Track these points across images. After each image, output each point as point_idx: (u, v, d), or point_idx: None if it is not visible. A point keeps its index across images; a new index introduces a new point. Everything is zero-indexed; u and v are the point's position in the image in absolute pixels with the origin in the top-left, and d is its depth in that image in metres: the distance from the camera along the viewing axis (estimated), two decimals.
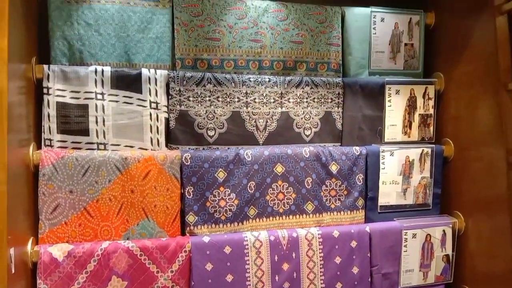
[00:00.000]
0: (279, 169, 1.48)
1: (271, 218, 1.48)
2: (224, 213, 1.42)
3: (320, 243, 1.45)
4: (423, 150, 1.63)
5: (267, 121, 1.53)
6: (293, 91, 1.56)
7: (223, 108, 1.49)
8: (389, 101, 1.65)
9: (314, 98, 1.58)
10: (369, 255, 1.51)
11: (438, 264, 1.59)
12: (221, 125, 1.49)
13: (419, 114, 1.68)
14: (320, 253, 1.45)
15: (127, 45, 1.46)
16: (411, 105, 1.67)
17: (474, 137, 1.56)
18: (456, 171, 1.64)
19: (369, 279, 1.51)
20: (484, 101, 1.51)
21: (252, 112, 1.51)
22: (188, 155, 1.39)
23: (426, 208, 1.65)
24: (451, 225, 1.59)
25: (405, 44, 1.71)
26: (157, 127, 1.44)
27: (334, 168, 1.54)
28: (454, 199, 1.65)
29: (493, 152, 1.47)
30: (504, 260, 1.42)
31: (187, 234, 1.39)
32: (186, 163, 1.39)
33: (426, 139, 1.69)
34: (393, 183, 1.60)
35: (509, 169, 1.41)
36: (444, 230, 1.58)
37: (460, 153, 1.63)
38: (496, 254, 1.46)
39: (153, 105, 1.43)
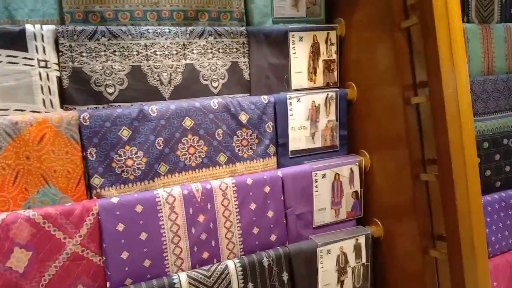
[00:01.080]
0: (188, 122, 1.46)
1: (184, 173, 1.46)
2: (132, 172, 1.38)
3: (234, 192, 1.47)
4: (327, 94, 1.69)
5: (171, 75, 1.48)
6: (196, 42, 1.51)
7: (121, 62, 1.41)
8: (293, 48, 1.67)
9: (219, 49, 1.55)
10: (282, 198, 1.56)
11: (348, 200, 1.69)
12: (120, 81, 1.41)
13: (323, 60, 1.73)
14: (235, 201, 1.48)
15: (7, 0, 1.32)
16: (315, 52, 1.71)
17: (375, 78, 1.64)
18: (361, 112, 1.73)
19: (284, 221, 1.57)
20: (382, 43, 1.59)
21: (153, 65, 1.45)
22: (87, 115, 1.31)
23: (335, 150, 1.73)
24: (357, 163, 1.69)
25: None
26: (49, 87, 1.32)
27: (244, 118, 1.54)
28: (360, 138, 1.75)
29: (392, 91, 1.56)
30: (405, 192, 1.55)
31: (94, 197, 1.33)
32: (85, 124, 1.31)
33: (331, 84, 1.76)
34: (301, 128, 1.65)
35: (405, 104, 1.52)
36: (351, 168, 1.68)
37: (363, 95, 1.71)
38: (398, 187, 1.59)
39: (42, 64, 1.31)
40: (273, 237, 1.54)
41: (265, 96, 1.59)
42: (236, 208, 1.48)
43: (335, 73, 1.76)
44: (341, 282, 1.61)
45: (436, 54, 1.34)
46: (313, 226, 1.64)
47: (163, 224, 1.37)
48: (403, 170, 1.54)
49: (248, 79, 1.61)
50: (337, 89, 1.72)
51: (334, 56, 1.74)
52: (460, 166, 1.34)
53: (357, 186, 1.70)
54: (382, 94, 1.60)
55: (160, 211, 1.37)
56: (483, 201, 1.78)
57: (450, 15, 1.36)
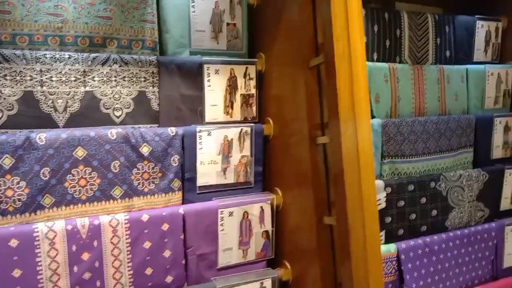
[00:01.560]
0: (80, 153, 1.38)
1: (72, 206, 1.38)
2: (12, 204, 1.29)
3: (126, 229, 1.39)
4: (241, 129, 1.64)
5: (67, 102, 1.41)
6: (99, 69, 1.46)
7: (12, 87, 1.34)
8: (209, 81, 1.63)
9: (124, 77, 1.50)
10: (182, 237, 1.48)
11: (257, 240, 1.62)
12: (10, 107, 1.34)
13: (241, 94, 1.69)
14: (127, 239, 1.39)
15: None
16: (232, 85, 1.67)
17: (290, 115, 1.60)
18: (277, 149, 1.68)
19: (183, 261, 1.48)
20: (295, 80, 1.55)
21: (48, 91, 1.39)
22: None
23: (248, 186, 1.67)
24: (269, 201, 1.63)
25: (228, 24, 1.69)
26: None
27: (145, 150, 1.48)
28: (275, 176, 1.69)
29: (302, 129, 1.52)
30: (310, 235, 1.49)
31: None
32: None
33: (250, 119, 1.71)
34: (212, 163, 1.59)
35: (312, 144, 1.47)
36: (261, 207, 1.61)
37: (280, 131, 1.67)
38: (305, 229, 1.53)
39: None
40: (169, 279, 1.45)
41: (173, 128, 1.53)
42: (127, 247, 1.39)
43: (254, 108, 1.72)
44: None
45: (335, 93, 1.30)
46: (218, 268, 1.55)
47: (40, 261, 1.27)
48: (308, 212, 1.48)
49: (157, 109, 1.56)
50: (252, 124, 1.67)
51: (253, 91, 1.71)
52: (357, 211, 1.29)
53: (268, 225, 1.63)
54: (295, 131, 1.56)
55: (38, 246, 1.27)
56: (405, 246, 1.74)
57: (353, 55, 1.33)
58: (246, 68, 1.68)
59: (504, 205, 2.12)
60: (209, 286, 1.47)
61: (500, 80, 2.22)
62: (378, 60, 1.88)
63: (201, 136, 1.57)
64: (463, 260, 1.90)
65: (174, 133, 1.53)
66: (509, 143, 2.19)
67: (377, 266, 1.31)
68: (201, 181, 1.57)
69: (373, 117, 1.83)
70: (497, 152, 2.15)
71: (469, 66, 2.12)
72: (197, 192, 1.57)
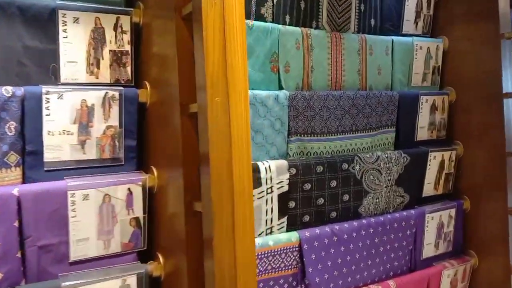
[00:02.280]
0: None
1: None
2: None
3: None
4: (106, 93, 1.33)
5: None
6: None
7: None
8: (65, 31, 1.30)
9: None
10: (16, 224, 1.17)
11: (124, 229, 1.34)
12: None
13: (111, 51, 1.38)
14: None
15: None
16: (98, 39, 1.35)
17: (165, 76, 1.30)
18: (154, 119, 1.39)
19: (19, 255, 1.18)
20: (170, 33, 1.24)
21: None
22: None
23: (117, 164, 1.37)
24: (140, 182, 1.34)
25: None
26: None
27: None
28: (152, 152, 1.41)
29: (175, 93, 1.23)
30: (179, 223, 1.22)
31: None
32: None
33: (123, 82, 1.40)
34: (64, 134, 1.28)
35: (183, 113, 1.19)
36: (129, 189, 1.33)
37: (159, 98, 1.37)
38: (178, 213, 1.25)
39: None
40: None
41: (8, 88, 1.21)
42: None
43: (129, 68, 1.41)
44: None
45: (201, 51, 1.03)
46: (70, 262, 1.26)
47: None
48: (181, 196, 1.21)
49: None
50: (122, 87, 1.37)
51: (127, 47, 1.40)
52: (225, 197, 1.03)
53: (138, 211, 1.35)
54: (168, 97, 1.27)
55: None
56: (309, 234, 1.51)
57: (227, 4, 1.05)
58: (118, 18, 1.37)
59: (427, 191, 1.95)
60: (52, 284, 1.18)
61: (429, 55, 2.02)
62: (290, 24, 1.63)
63: (48, 99, 1.25)
64: (377, 251, 1.70)
65: (10, 94, 1.20)
66: (436, 124, 2.01)
67: (249, 261, 1.07)
68: (49, 155, 1.26)
69: (280, 88, 1.59)
70: (422, 133, 1.97)
71: (395, 38, 1.90)
72: (45, 169, 1.26)
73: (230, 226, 1.03)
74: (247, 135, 1.05)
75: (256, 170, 1.42)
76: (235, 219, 1.03)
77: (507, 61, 1.91)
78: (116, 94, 1.34)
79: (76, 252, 1.26)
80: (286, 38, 1.58)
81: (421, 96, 1.93)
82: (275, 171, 1.47)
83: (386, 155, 1.75)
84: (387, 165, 1.76)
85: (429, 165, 1.91)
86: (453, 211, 1.96)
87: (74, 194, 1.24)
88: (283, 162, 1.50)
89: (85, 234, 1.27)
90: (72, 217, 1.24)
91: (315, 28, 1.69)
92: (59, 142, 1.27)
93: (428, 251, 1.89)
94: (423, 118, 1.95)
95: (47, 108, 1.25)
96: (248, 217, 1.06)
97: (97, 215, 1.28)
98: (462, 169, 2.01)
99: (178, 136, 1.18)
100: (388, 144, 1.86)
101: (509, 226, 1.87)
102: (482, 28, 1.91)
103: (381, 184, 1.74)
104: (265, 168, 1.45)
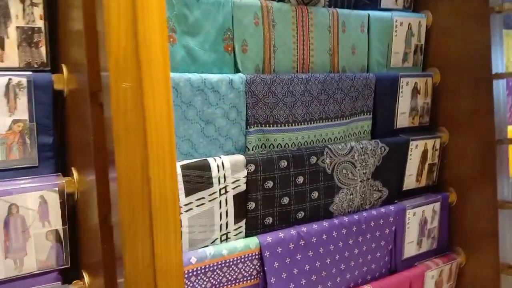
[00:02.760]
0: None
1: None
2: None
3: None
4: (10, 80, 1.08)
5: None
6: None
7: None
8: None
9: None
10: None
11: (40, 245, 1.10)
12: None
13: (18, 27, 1.11)
14: None
15: None
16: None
17: (80, 57, 1.05)
18: (72, 111, 1.14)
19: None
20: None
21: None
22: None
23: (30, 166, 1.13)
24: (55, 188, 1.10)
25: None
26: None
27: None
28: (74, 151, 1.16)
29: (84, 78, 0.98)
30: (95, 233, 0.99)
31: None
32: None
33: (36, 65, 1.14)
34: None
35: (93, 102, 0.95)
36: (42, 196, 1.09)
37: (79, 84, 1.12)
38: (95, 224, 1.02)
39: None
40: None
41: None
42: None
43: (43, 49, 1.15)
44: None
45: (102, 22, 0.78)
46: None
47: None
48: (93, 207, 0.98)
49: None
50: (31, 72, 1.11)
51: (39, 23, 1.14)
52: (137, 205, 0.80)
53: (55, 223, 1.11)
54: (79, 83, 1.02)
55: None
56: (271, 239, 1.31)
57: None
58: None
59: (408, 184, 1.75)
60: None
61: (411, 33, 1.80)
62: None
63: None
64: (352, 253, 1.50)
65: None
66: (418, 110, 1.80)
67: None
68: None
69: (237, 71, 1.37)
70: (402, 120, 1.76)
71: (372, 13, 1.67)
72: None
73: (148, 245, 0.81)
74: (170, 131, 0.82)
75: (205, 168, 1.22)
76: (156, 232, 0.81)
77: (497, 38, 1.69)
78: (23, 80, 1.08)
79: None
80: (242, 12, 1.36)
81: (401, 78, 1.71)
82: (230, 169, 1.26)
83: (361, 146, 1.54)
84: (362, 156, 1.55)
85: (410, 155, 1.71)
86: (437, 205, 1.77)
87: None
88: (239, 157, 1.28)
89: None
90: None
91: (278, 1, 1.45)
92: None
93: (410, 250, 1.71)
94: (404, 103, 1.74)
95: None
96: (174, 232, 0.83)
97: (2, 230, 1.05)
98: (448, 158, 1.82)
99: (89, 131, 0.94)
100: (363, 133, 1.65)
101: (499, 220, 1.69)
102: (469, 1, 1.70)
103: (356, 178, 1.53)
104: (217, 165, 1.24)
